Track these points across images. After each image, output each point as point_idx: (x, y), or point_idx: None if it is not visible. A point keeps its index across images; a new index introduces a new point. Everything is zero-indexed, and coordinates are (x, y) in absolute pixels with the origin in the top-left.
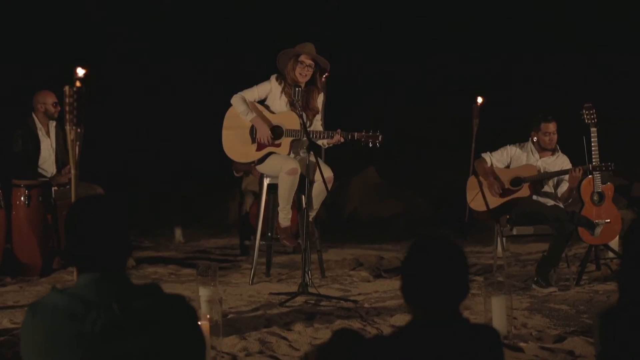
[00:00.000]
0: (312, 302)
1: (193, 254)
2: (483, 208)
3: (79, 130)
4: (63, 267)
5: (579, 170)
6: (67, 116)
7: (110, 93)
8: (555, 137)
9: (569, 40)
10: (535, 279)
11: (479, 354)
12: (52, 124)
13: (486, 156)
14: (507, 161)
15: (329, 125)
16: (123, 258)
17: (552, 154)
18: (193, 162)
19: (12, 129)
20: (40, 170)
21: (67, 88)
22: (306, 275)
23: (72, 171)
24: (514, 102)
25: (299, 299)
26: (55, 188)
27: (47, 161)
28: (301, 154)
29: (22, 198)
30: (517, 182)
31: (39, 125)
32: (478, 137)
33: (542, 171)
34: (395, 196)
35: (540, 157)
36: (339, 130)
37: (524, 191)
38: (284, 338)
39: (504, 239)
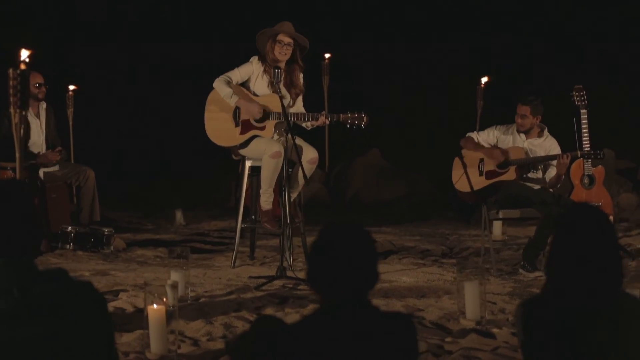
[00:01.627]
0: (290, 286)
1: (190, 237)
2: (468, 189)
3: (23, 112)
4: (50, 250)
5: (567, 157)
6: (12, 99)
7: (108, 76)
8: (526, 121)
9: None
10: (522, 263)
11: (387, 343)
12: (43, 106)
13: (473, 135)
14: (493, 141)
15: (336, 107)
16: (28, 244)
17: (540, 136)
18: (195, 145)
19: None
20: (29, 152)
21: (10, 71)
22: (284, 258)
23: (17, 154)
24: (522, 82)
25: (277, 283)
26: (45, 170)
27: (36, 143)
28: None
29: None
30: (504, 164)
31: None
32: (482, 119)
33: (528, 152)
34: (399, 178)
35: (526, 139)
36: (323, 112)
37: (510, 174)
38: (251, 322)
39: (492, 222)
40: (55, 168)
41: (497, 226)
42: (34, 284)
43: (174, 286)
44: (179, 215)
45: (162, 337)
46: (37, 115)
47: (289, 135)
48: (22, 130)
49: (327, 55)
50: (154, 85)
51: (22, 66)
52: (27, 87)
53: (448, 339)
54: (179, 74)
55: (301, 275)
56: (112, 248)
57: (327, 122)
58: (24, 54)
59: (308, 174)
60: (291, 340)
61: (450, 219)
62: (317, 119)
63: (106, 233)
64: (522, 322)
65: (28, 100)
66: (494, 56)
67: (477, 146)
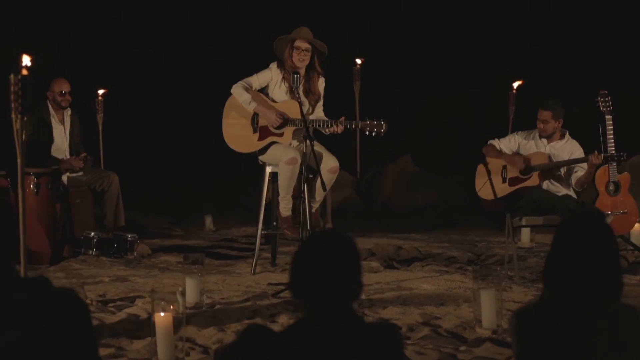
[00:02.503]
0: None
1: (218, 243)
2: (491, 197)
3: (25, 118)
4: (74, 256)
5: (597, 156)
6: (13, 104)
7: (135, 81)
8: (548, 126)
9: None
10: None
11: (372, 355)
12: (67, 112)
13: (495, 142)
14: (514, 148)
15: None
16: (6, 249)
17: (561, 139)
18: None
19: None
20: (52, 158)
21: (12, 76)
22: None
23: (18, 160)
24: (553, 88)
25: None
26: (69, 175)
27: (60, 149)
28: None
29: (31, 186)
30: (526, 170)
31: (52, 112)
32: (514, 124)
33: (551, 156)
34: (431, 185)
35: (548, 143)
36: (342, 119)
37: (533, 180)
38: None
39: (520, 229)
40: (80, 173)
41: (525, 233)
42: (14, 290)
43: (183, 293)
44: (208, 220)
45: (170, 345)
46: (62, 122)
47: (308, 142)
48: (23, 136)
49: (358, 61)
50: (185, 88)
51: (24, 72)
52: (29, 93)
53: (462, 348)
54: (210, 77)
55: None
56: (135, 254)
57: (342, 128)
58: (26, 60)
59: (329, 183)
60: (276, 349)
61: (481, 225)
62: (335, 126)
63: (129, 239)
64: (517, 331)
65: (29, 106)
66: (529, 60)
67: (499, 153)
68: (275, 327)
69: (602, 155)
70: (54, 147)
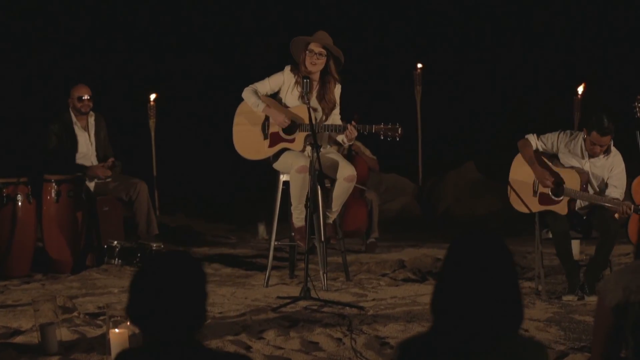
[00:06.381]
0: (314, 307)
1: (264, 252)
2: (525, 210)
3: None
4: (96, 265)
5: (630, 208)
6: None
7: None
8: (604, 149)
9: None
10: (581, 284)
11: None
12: (91, 117)
13: (532, 138)
14: (552, 150)
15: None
16: None
17: (606, 153)
18: None
19: (48, 123)
20: (78, 165)
21: None
22: (313, 279)
23: None
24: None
25: (301, 304)
26: (97, 181)
27: (86, 155)
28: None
29: (52, 193)
30: (558, 191)
31: (74, 119)
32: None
33: (587, 176)
34: (495, 193)
35: (589, 159)
36: (352, 123)
37: (562, 207)
38: (247, 347)
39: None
40: (108, 179)
41: (575, 245)
42: None
43: None
44: (261, 228)
45: None
46: (85, 128)
47: (313, 149)
48: None
49: (419, 65)
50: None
51: None
52: None
53: None
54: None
55: (336, 295)
56: None
57: (356, 133)
58: None
59: (346, 192)
60: None
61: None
62: (348, 130)
63: (154, 248)
64: None
65: None
66: (594, 65)
67: (531, 159)
68: (260, 344)
69: (632, 206)
70: (79, 154)
